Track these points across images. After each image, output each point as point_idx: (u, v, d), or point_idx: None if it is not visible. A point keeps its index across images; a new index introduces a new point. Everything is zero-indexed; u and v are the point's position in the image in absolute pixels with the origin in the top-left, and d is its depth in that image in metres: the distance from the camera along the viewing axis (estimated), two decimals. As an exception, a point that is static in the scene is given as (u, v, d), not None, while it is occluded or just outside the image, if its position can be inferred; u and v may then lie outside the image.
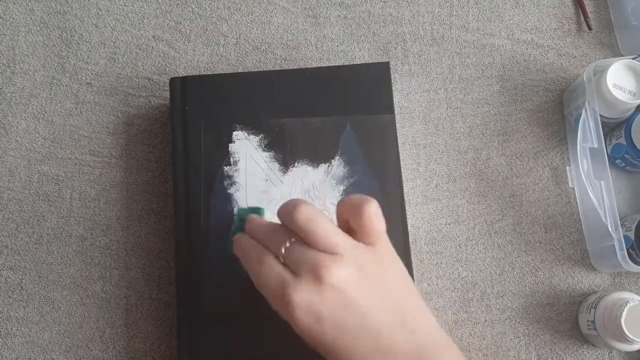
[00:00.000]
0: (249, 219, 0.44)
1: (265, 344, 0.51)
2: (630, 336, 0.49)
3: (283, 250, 0.40)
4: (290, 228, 0.40)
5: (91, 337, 0.55)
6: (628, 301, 0.50)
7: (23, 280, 0.56)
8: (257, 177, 0.53)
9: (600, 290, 0.56)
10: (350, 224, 0.41)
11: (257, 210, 0.46)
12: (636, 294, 0.54)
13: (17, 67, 0.61)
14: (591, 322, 0.53)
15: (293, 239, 0.40)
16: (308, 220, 0.39)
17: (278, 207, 0.41)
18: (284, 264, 0.40)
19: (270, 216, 0.45)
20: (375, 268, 0.40)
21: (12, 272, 0.57)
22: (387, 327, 0.39)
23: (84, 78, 0.61)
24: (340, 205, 0.42)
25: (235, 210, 0.52)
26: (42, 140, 0.59)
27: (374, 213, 0.40)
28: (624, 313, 0.49)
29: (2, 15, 0.62)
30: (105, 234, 0.57)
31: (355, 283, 0.39)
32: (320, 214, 0.40)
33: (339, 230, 0.40)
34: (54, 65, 0.61)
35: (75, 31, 0.62)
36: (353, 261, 0.39)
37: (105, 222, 0.57)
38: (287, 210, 0.40)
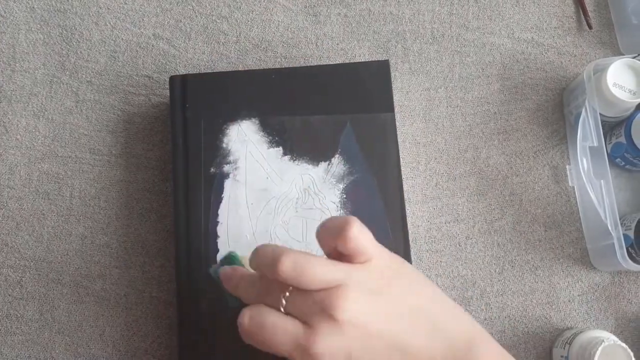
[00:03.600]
0: (224, 275, 0.41)
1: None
2: None
3: (284, 302, 0.37)
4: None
5: (91, 336, 0.55)
6: (603, 340, 0.50)
7: (23, 279, 0.56)
8: (257, 175, 0.53)
9: (576, 327, 0.55)
10: (340, 250, 0.38)
11: (230, 259, 0.44)
12: (613, 333, 0.54)
13: (17, 65, 0.61)
14: (565, 358, 0.53)
15: (290, 288, 0.37)
16: (294, 269, 0.36)
17: (250, 254, 0.38)
18: (287, 314, 0.37)
19: (243, 261, 0.43)
20: (381, 285, 0.38)
21: (11, 270, 0.57)
22: (419, 340, 0.37)
23: (84, 76, 0.60)
24: (321, 232, 0.39)
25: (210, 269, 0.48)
26: (42, 139, 0.59)
27: (358, 233, 0.37)
28: (598, 352, 0.49)
29: (3, 13, 0.62)
30: (105, 232, 0.57)
31: (370, 309, 0.36)
32: (303, 255, 0.36)
33: (330, 262, 0.37)
34: (54, 64, 0.61)
35: (76, 29, 0.62)
36: (358, 287, 0.36)
37: (105, 220, 0.58)
38: (268, 266, 0.37)
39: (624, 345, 0.50)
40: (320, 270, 0.36)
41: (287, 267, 0.36)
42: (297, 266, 0.36)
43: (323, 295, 0.36)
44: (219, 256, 0.52)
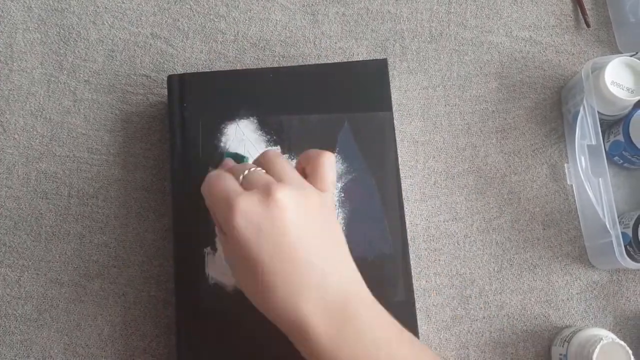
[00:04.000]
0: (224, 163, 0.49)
1: (264, 342, 0.51)
2: None
3: (245, 173, 0.42)
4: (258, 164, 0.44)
5: (89, 335, 0.55)
6: (602, 338, 0.50)
7: (21, 278, 0.56)
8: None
9: (575, 325, 0.55)
10: (306, 171, 0.44)
11: (241, 158, 0.51)
12: (611, 331, 0.54)
13: (14, 64, 0.61)
14: (563, 356, 0.53)
15: (256, 168, 0.43)
16: (274, 156, 0.44)
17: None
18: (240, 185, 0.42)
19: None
20: (319, 211, 0.42)
21: (10, 270, 0.56)
22: (321, 265, 0.40)
23: (81, 75, 0.60)
24: (301, 156, 0.45)
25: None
26: (40, 138, 0.59)
27: (328, 162, 0.44)
28: (597, 350, 0.49)
29: (0, 12, 0.62)
30: (103, 231, 0.57)
31: (299, 212, 0.40)
32: (281, 156, 0.44)
33: (296, 171, 0.43)
34: (51, 63, 0.61)
35: (73, 28, 0.61)
36: (302, 194, 0.41)
37: (103, 219, 0.57)
38: (262, 153, 0.45)
39: (622, 343, 0.50)
40: (288, 167, 0.43)
41: (271, 153, 0.44)
42: (277, 156, 0.44)
43: (273, 179, 0.42)
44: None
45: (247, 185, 0.42)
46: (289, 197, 0.40)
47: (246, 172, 0.42)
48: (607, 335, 0.51)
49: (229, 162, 0.49)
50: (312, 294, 0.40)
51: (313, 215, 0.41)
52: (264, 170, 0.43)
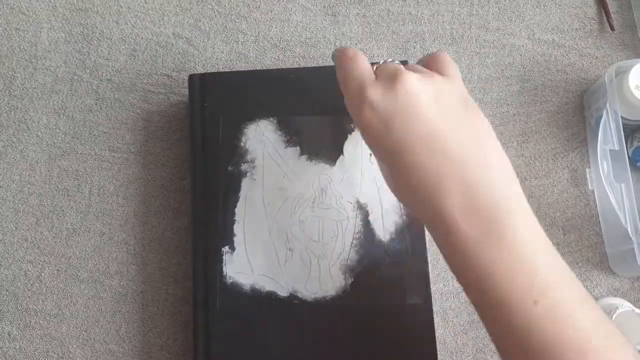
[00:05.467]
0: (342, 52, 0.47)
1: (281, 341, 0.51)
2: None
3: (380, 63, 0.41)
4: None
5: (107, 331, 0.56)
6: (617, 307, 0.49)
7: (42, 274, 0.57)
8: (274, 174, 0.53)
9: (599, 296, 0.55)
10: (430, 68, 0.41)
11: None
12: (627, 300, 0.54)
13: (39, 63, 0.61)
14: None
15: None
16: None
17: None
18: (373, 72, 0.41)
19: None
20: (452, 97, 0.39)
21: (31, 266, 0.57)
22: (461, 154, 0.37)
23: (104, 74, 0.61)
24: (421, 60, 0.43)
25: None
26: (63, 136, 0.60)
27: (446, 56, 0.42)
28: (613, 319, 0.49)
29: (25, 11, 0.63)
30: (123, 229, 0.58)
31: (431, 98, 0.38)
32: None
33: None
34: (75, 62, 0.61)
35: (97, 28, 0.62)
36: (429, 79, 0.39)
37: (123, 217, 0.58)
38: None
39: (639, 311, 0.49)
40: (417, 66, 0.41)
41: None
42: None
43: (401, 66, 0.40)
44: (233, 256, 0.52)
45: (378, 74, 0.40)
46: (421, 85, 0.38)
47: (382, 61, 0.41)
48: (622, 304, 0.50)
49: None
50: (456, 191, 0.36)
51: (453, 106, 0.39)
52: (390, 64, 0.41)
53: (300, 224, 0.52)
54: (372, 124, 0.38)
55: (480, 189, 0.36)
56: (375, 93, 0.38)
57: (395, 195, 0.40)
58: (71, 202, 0.58)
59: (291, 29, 0.62)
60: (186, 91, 0.57)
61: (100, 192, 0.59)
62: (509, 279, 0.35)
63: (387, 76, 0.39)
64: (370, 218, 0.52)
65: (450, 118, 0.38)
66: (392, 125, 0.38)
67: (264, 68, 0.61)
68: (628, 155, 0.56)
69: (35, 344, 0.56)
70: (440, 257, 0.57)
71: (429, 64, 0.42)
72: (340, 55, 0.42)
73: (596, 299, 0.56)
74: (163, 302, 0.56)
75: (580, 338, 0.34)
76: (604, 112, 0.54)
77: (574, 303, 0.35)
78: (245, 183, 0.53)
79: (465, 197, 0.36)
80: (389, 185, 0.41)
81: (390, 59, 0.43)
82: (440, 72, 0.40)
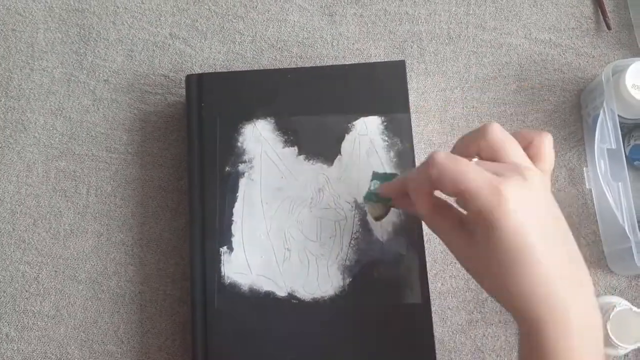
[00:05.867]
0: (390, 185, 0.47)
1: (279, 342, 0.51)
2: (615, 341, 0.49)
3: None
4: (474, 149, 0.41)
5: (106, 332, 0.56)
6: (615, 305, 0.49)
7: (40, 275, 0.57)
8: (272, 174, 0.53)
9: (597, 294, 0.55)
10: (527, 152, 0.41)
11: (391, 177, 0.49)
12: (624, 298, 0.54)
13: (35, 63, 0.61)
14: None
15: (474, 160, 0.41)
16: (503, 138, 0.40)
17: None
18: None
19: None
20: (551, 197, 0.40)
21: (29, 267, 0.57)
22: (563, 261, 0.38)
23: (101, 75, 0.61)
24: (518, 135, 0.42)
25: (371, 180, 0.50)
26: (60, 137, 0.60)
27: (550, 143, 0.42)
28: (611, 317, 0.49)
29: (22, 12, 0.63)
30: (120, 229, 0.58)
31: (545, 194, 0.39)
32: (510, 137, 0.41)
33: (524, 153, 0.41)
34: (72, 62, 0.61)
35: (93, 28, 0.62)
36: (539, 178, 0.39)
37: (120, 218, 0.58)
38: (480, 130, 0.41)
39: (637, 310, 0.49)
40: (520, 150, 0.41)
41: (498, 133, 0.40)
42: (505, 137, 0.40)
43: (515, 163, 0.39)
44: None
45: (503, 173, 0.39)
46: (540, 183, 0.38)
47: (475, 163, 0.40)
48: (620, 302, 0.50)
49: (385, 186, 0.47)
50: (558, 301, 0.37)
51: (554, 205, 0.40)
52: (486, 163, 0.40)
53: (298, 224, 0.52)
54: (515, 219, 0.37)
55: (578, 312, 0.38)
56: (512, 187, 0.37)
57: (488, 289, 0.41)
58: (69, 203, 0.58)
59: (288, 29, 0.62)
60: (183, 91, 0.57)
61: (97, 192, 0.59)
62: None
63: (514, 172, 0.38)
64: (368, 218, 0.52)
65: (550, 218, 0.39)
66: (532, 221, 0.37)
67: (261, 68, 0.61)
68: (625, 154, 0.56)
69: (33, 345, 0.56)
70: (439, 256, 0.57)
71: (532, 150, 0.41)
72: (446, 161, 0.40)
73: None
74: (161, 303, 0.56)
75: None
76: (601, 111, 0.54)
77: None
78: (243, 183, 0.53)
79: (560, 314, 0.37)
80: (488, 282, 0.40)
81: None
82: (538, 165, 0.41)
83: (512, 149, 0.40)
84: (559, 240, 0.39)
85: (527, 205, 0.37)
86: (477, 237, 0.39)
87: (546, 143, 0.42)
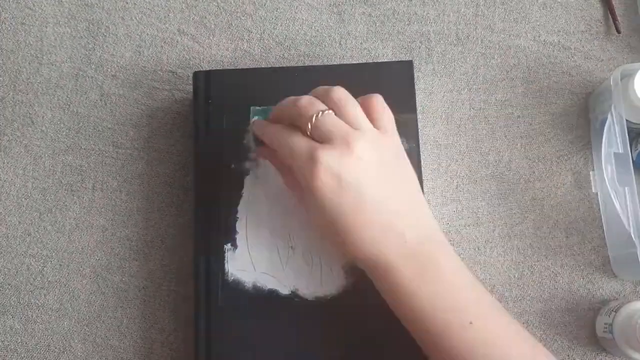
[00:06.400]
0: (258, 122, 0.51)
1: (282, 339, 0.51)
2: None
3: (314, 120, 0.43)
4: (319, 101, 0.45)
5: (109, 327, 0.56)
6: None
7: (44, 268, 0.57)
8: (277, 172, 0.53)
9: (622, 298, 0.55)
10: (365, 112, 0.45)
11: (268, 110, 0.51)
12: None
13: (44, 58, 0.62)
14: (609, 325, 0.52)
15: (324, 111, 0.44)
16: (344, 97, 0.44)
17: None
18: (312, 139, 0.44)
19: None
20: (390, 155, 0.45)
21: (33, 260, 0.57)
22: (401, 213, 0.44)
23: (109, 70, 0.61)
24: (357, 100, 0.46)
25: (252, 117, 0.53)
26: (67, 131, 0.60)
27: (381, 101, 0.46)
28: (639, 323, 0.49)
29: (32, 6, 0.63)
30: (125, 225, 0.58)
31: (378, 162, 0.43)
32: (351, 97, 0.45)
33: (363, 113, 0.45)
34: (80, 57, 0.62)
35: (102, 24, 0.62)
36: (374, 141, 0.44)
37: (126, 213, 0.58)
38: (324, 89, 0.45)
39: None
40: (358, 110, 0.44)
41: (340, 92, 0.45)
42: (345, 96, 0.45)
43: (349, 127, 0.43)
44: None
45: (320, 134, 0.43)
46: (369, 150, 0.43)
47: (317, 116, 0.43)
48: None
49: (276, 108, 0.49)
50: (393, 240, 0.43)
51: (390, 164, 0.44)
52: (332, 112, 0.44)
53: (302, 223, 0.52)
54: (326, 186, 0.42)
55: (416, 239, 0.44)
56: (328, 157, 0.42)
57: (335, 246, 0.47)
58: (74, 197, 0.59)
59: (296, 27, 0.62)
60: (191, 88, 0.57)
61: (103, 187, 0.59)
62: (446, 306, 0.43)
63: (340, 140, 0.42)
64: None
65: (390, 178, 0.44)
66: (346, 188, 0.42)
67: (269, 66, 0.61)
68: (632, 158, 0.56)
69: (36, 338, 0.56)
70: (442, 257, 0.57)
71: (364, 108, 0.45)
72: (271, 132, 0.47)
73: (600, 302, 0.56)
74: (165, 299, 0.56)
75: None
76: (609, 115, 0.54)
77: (500, 326, 0.45)
78: (248, 180, 0.53)
79: (401, 248, 0.43)
80: (329, 240, 0.47)
81: (325, 109, 0.44)
82: (373, 121, 0.45)
83: (352, 108, 0.44)
84: (389, 191, 0.44)
85: (339, 174, 0.42)
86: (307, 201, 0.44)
87: (373, 102, 0.45)
